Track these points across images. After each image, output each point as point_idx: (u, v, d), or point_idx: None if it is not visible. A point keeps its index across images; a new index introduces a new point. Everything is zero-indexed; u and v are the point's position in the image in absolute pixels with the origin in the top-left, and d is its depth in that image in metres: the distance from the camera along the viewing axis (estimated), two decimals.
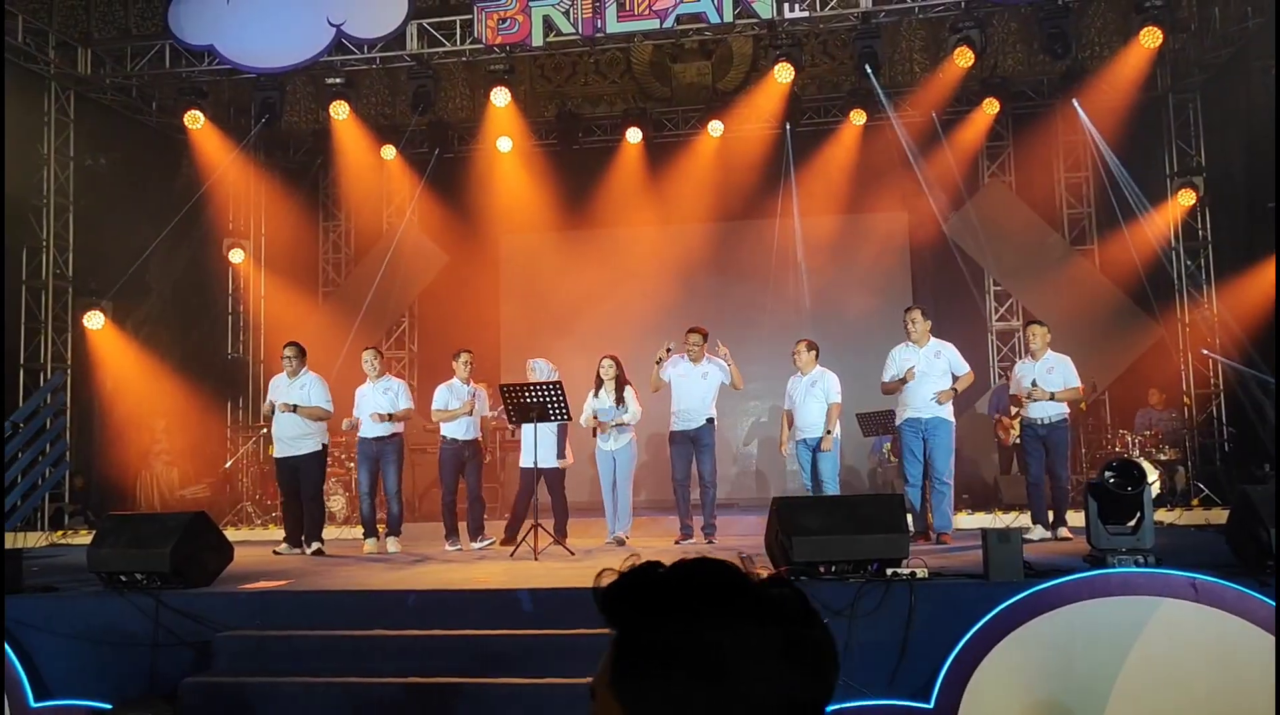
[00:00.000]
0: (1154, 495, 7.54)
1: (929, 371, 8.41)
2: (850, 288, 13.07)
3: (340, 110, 12.11)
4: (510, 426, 9.62)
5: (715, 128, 12.82)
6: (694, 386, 9.02)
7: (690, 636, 1.07)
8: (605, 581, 1.16)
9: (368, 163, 13.41)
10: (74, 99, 12.18)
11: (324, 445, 9.20)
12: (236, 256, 13.81)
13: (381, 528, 9.42)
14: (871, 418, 10.84)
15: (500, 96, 11.71)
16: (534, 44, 11.00)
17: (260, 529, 11.45)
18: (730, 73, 13.08)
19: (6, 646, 5.79)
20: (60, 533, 11.24)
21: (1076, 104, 12.00)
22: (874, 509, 6.12)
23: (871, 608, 5.39)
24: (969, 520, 10.00)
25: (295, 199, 14.25)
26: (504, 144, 13.06)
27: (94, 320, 11.81)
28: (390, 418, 9.07)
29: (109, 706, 5.66)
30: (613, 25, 10.79)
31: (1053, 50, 11.00)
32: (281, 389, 9.11)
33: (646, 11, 10.73)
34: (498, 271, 14.79)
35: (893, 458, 11.41)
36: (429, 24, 11.49)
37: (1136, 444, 11.14)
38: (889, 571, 5.66)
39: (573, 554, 8.23)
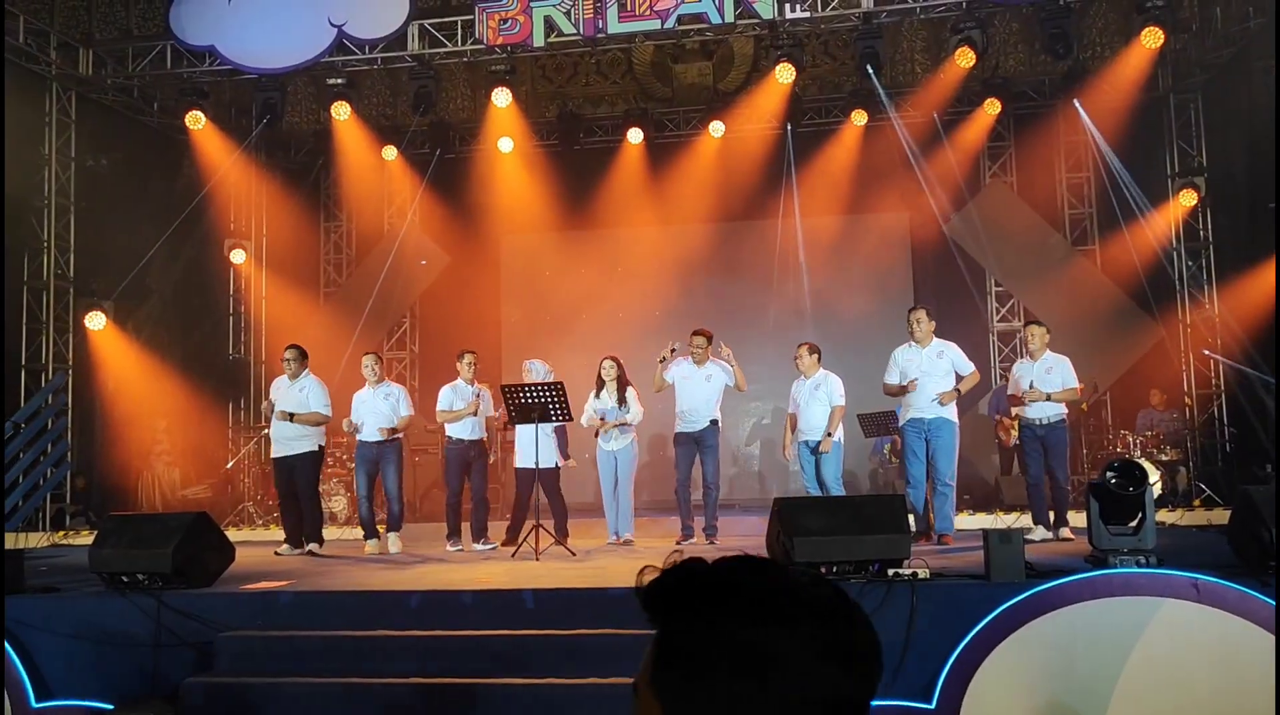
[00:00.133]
0: (1155, 496, 7.54)
1: (931, 372, 8.40)
2: (851, 288, 13.08)
3: (341, 111, 12.12)
4: (500, 428, 9.62)
5: (716, 128, 12.82)
6: (698, 389, 9.02)
7: (731, 635, 1.06)
8: (647, 579, 1.15)
9: (369, 163, 13.41)
10: (75, 99, 12.19)
11: (320, 446, 9.22)
12: (238, 257, 13.82)
13: (381, 528, 9.43)
14: (872, 418, 10.84)
15: (501, 97, 11.71)
16: (535, 44, 11.00)
17: (261, 529, 11.46)
18: (731, 73, 13.08)
19: (8, 646, 5.79)
20: (61, 533, 11.25)
21: (1078, 104, 12.00)
22: (875, 510, 6.12)
23: (873, 608, 5.38)
24: (970, 521, 9.99)
25: (296, 199, 14.25)
26: (505, 144, 13.06)
27: (95, 321, 11.82)
28: (394, 432, 9.12)
29: (110, 707, 5.67)
30: (614, 26, 10.79)
31: (1054, 50, 10.99)
32: (282, 391, 9.12)
33: (648, 12, 10.73)
34: (499, 272, 14.79)
35: (894, 459, 11.41)
36: (430, 24, 11.50)
37: (1138, 444, 11.14)
38: (890, 572, 5.66)
39: (574, 554, 8.23)
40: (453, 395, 9.22)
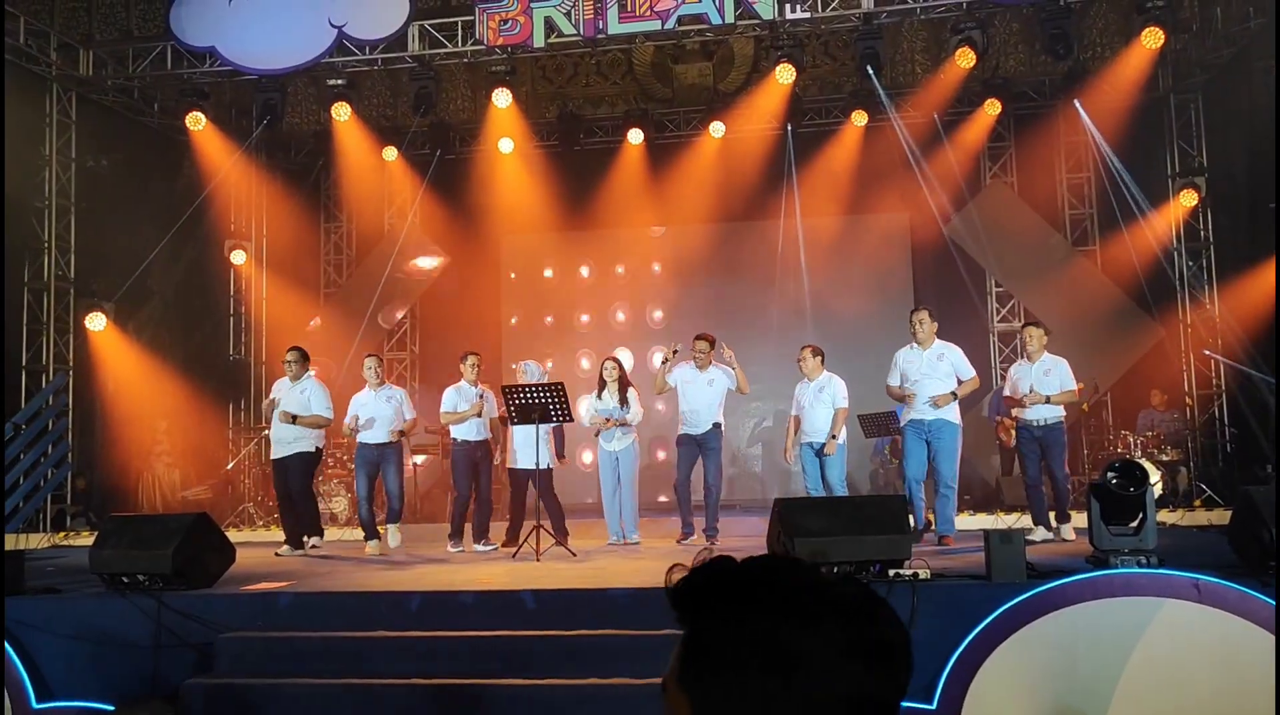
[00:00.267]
0: (1156, 496, 7.53)
1: (931, 374, 8.38)
2: (851, 289, 13.08)
3: (342, 112, 12.12)
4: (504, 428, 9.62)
5: (717, 129, 12.82)
6: (700, 393, 9.02)
7: (759, 634, 1.07)
8: (675, 577, 1.15)
9: (369, 164, 13.41)
10: (75, 100, 12.19)
11: (317, 447, 9.22)
12: (238, 258, 13.83)
13: (382, 530, 9.43)
14: (873, 419, 10.84)
15: (502, 97, 11.71)
16: (535, 45, 11.00)
17: (262, 530, 11.46)
18: (731, 73, 13.08)
19: (8, 647, 5.79)
20: (62, 534, 11.25)
21: (1078, 105, 11.99)
22: (876, 510, 6.12)
23: None
24: (971, 521, 9.99)
25: (297, 200, 14.26)
26: (505, 145, 13.06)
27: (96, 322, 11.82)
28: (403, 434, 9.14)
29: (111, 708, 5.67)
30: (614, 26, 10.79)
31: (1054, 51, 10.99)
32: (283, 393, 9.12)
33: (648, 12, 10.73)
34: (499, 272, 14.80)
35: (894, 459, 11.41)
36: (430, 25, 11.50)
37: (1138, 445, 11.13)
38: (891, 573, 5.66)
39: (575, 555, 8.23)
40: (456, 397, 9.23)
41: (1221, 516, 9.35)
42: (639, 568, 7.44)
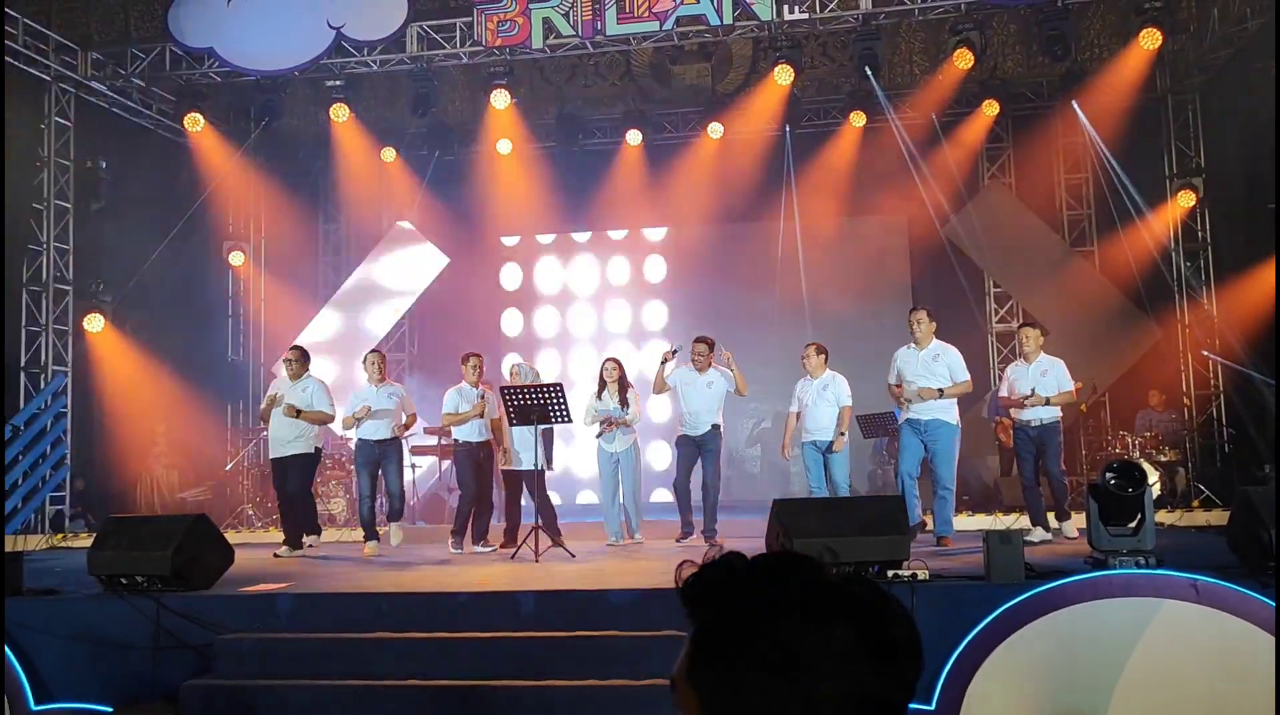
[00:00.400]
0: (1154, 496, 7.53)
1: (925, 374, 8.38)
2: (850, 289, 13.08)
3: (340, 113, 12.12)
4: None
5: (715, 130, 12.83)
6: (699, 395, 9.02)
7: (769, 632, 1.07)
8: (686, 574, 1.16)
9: (368, 165, 13.41)
10: (74, 102, 12.18)
11: (316, 448, 9.22)
12: (236, 259, 13.82)
13: (382, 530, 9.42)
14: (871, 420, 10.84)
15: (500, 99, 11.71)
16: (534, 46, 11.01)
17: (260, 532, 11.44)
18: (730, 75, 13.08)
19: (6, 649, 5.79)
20: (60, 536, 11.24)
21: (1076, 105, 12.00)
22: (875, 511, 6.13)
23: None
24: (969, 522, 9.99)
25: (295, 201, 14.24)
26: (504, 146, 13.07)
27: (94, 323, 11.81)
28: (406, 428, 9.14)
29: (110, 709, 5.67)
30: (612, 27, 10.80)
31: (1052, 52, 11.01)
32: (284, 391, 9.11)
33: (646, 14, 10.74)
34: (498, 273, 14.81)
35: (891, 460, 11.41)
36: (429, 26, 11.50)
37: (1136, 445, 11.14)
38: (890, 574, 5.66)
39: (573, 556, 8.22)
40: (458, 398, 9.23)
41: (1219, 517, 9.35)
42: (638, 569, 7.45)
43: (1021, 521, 9.23)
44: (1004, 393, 8.84)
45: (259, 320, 14.33)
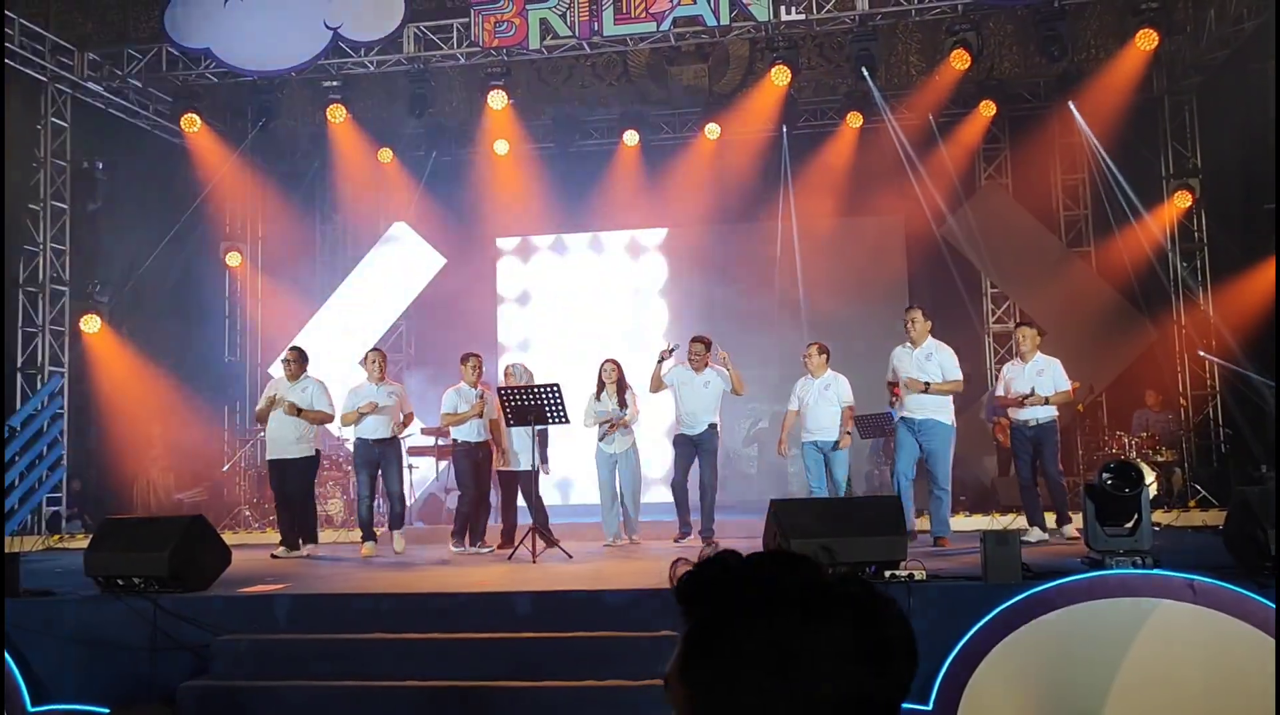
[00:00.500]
0: (1151, 497, 7.54)
1: (919, 373, 8.40)
2: (847, 290, 13.07)
3: (337, 113, 12.11)
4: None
5: (712, 130, 12.83)
6: (696, 395, 9.02)
7: (761, 632, 1.07)
8: (680, 571, 1.15)
9: (365, 166, 13.40)
10: (70, 102, 12.17)
11: (317, 451, 9.21)
12: (233, 260, 13.81)
13: (380, 530, 9.42)
14: (867, 420, 10.84)
15: (497, 99, 11.71)
16: (531, 47, 11.01)
17: (257, 533, 11.42)
18: (727, 75, 13.08)
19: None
20: (57, 537, 11.22)
21: (1073, 106, 12.02)
22: (872, 511, 6.14)
23: None
24: (967, 522, 10.00)
25: (292, 202, 14.23)
26: (501, 147, 13.07)
27: (90, 324, 11.80)
28: (403, 427, 9.20)
29: (106, 711, 5.66)
30: (609, 28, 10.80)
31: (1049, 53, 11.02)
32: (282, 392, 9.09)
33: (643, 14, 10.74)
34: (495, 274, 14.80)
35: (886, 460, 11.42)
36: (426, 27, 11.49)
37: (1133, 445, 11.16)
38: (887, 574, 5.66)
39: (571, 556, 8.22)
40: (457, 398, 9.23)
41: (1216, 517, 9.37)
42: (635, 569, 7.45)
43: (1018, 522, 9.24)
44: (1000, 392, 8.86)
45: (255, 321, 14.32)
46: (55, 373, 11.84)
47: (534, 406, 8.46)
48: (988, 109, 12.28)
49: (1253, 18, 10.59)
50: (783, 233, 13.16)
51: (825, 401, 8.82)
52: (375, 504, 9.51)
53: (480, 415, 9.17)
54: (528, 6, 10.87)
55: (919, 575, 5.67)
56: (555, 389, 8.50)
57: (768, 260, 13.20)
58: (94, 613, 6.07)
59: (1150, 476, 10.00)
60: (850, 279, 13.20)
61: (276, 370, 10.45)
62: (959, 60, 10.98)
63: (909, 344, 8.57)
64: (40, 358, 11.75)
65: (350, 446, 10.48)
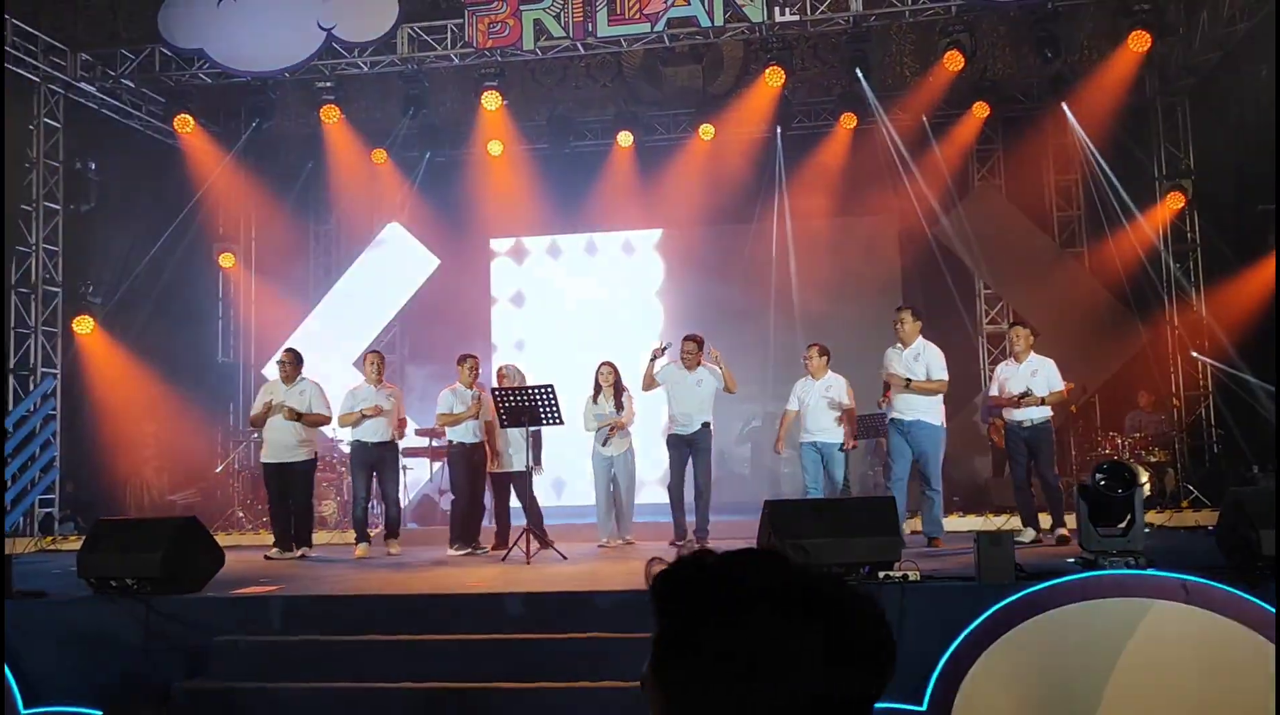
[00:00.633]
0: (1144, 497, 7.55)
1: (906, 373, 8.42)
2: (841, 290, 13.08)
3: (331, 114, 12.10)
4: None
5: (706, 131, 12.85)
6: (688, 394, 9.02)
7: (733, 631, 1.06)
8: (655, 570, 1.15)
9: (358, 166, 13.39)
10: (63, 103, 12.13)
11: (315, 454, 9.20)
12: (226, 261, 13.79)
13: (374, 532, 9.41)
14: (862, 421, 10.83)
15: (491, 100, 11.72)
16: (525, 48, 11.01)
17: (251, 534, 11.40)
18: (721, 76, 13.08)
19: None
20: (50, 538, 11.18)
21: (1066, 107, 12.04)
22: (866, 512, 6.13)
23: None
24: (960, 523, 10.01)
25: (285, 203, 14.19)
26: (495, 148, 13.07)
27: (83, 325, 11.77)
28: (400, 427, 9.22)
29: (99, 712, 5.65)
30: (603, 29, 10.80)
31: (1042, 54, 11.05)
32: (279, 395, 9.07)
33: (637, 15, 10.74)
34: (489, 275, 14.79)
35: (878, 462, 11.43)
36: (419, 28, 11.47)
37: (1126, 446, 11.18)
38: (881, 574, 5.66)
39: (564, 557, 8.22)
40: (453, 399, 9.22)
41: (1209, 517, 9.39)
42: (629, 570, 7.44)
43: (1012, 522, 9.26)
44: (994, 392, 8.87)
45: (249, 322, 14.30)
46: (48, 374, 11.80)
47: (528, 407, 8.45)
48: (981, 110, 12.31)
49: (1245, 20, 10.62)
50: (777, 233, 13.17)
51: (825, 403, 8.83)
52: (370, 506, 9.50)
53: (477, 416, 9.16)
54: (522, 7, 10.87)
55: (913, 576, 5.67)
56: (549, 390, 8.49)
57: (762, 261, 13.21)
58: (87, 614, 6.05)
59: (1143, 477, 10.03)
60: (844, 279, 13.21)
61: (271, 372, 10.41)
62: (952, 61, 11.01)
63: (899, 344, 8.59)
64: (33, 359, 11.71)
65: (345, 448, 10.47)
